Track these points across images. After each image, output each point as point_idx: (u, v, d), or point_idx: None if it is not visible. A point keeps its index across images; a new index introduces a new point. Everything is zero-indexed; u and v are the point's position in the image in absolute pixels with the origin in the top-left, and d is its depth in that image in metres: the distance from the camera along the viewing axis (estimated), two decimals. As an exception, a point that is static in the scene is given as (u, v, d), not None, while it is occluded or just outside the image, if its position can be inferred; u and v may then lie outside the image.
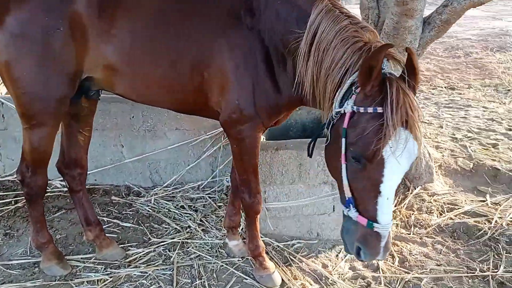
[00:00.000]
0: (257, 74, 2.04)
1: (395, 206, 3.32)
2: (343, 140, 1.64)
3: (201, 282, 2.47)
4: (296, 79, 1.94)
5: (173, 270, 2.56)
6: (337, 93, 1.74)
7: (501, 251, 2.78)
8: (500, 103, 5.79)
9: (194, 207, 3.26)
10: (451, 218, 3.19)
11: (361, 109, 1.60)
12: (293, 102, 2.16)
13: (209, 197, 3.37)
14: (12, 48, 2.03)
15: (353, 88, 1.68)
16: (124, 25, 2.08)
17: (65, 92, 2.14)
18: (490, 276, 2.57)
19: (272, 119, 2.22)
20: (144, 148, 3.41)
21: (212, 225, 3.02)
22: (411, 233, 3.03)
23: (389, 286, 2.52)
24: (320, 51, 1.81)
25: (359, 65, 1.64)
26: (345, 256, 2.75)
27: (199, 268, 2.58)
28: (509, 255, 2.74)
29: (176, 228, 3.00)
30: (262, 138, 2.97)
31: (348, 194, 1.69)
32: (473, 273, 2.61)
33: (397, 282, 2.54)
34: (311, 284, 2.51)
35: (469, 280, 2.56)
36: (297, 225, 2.89)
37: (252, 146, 2.21)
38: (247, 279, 2.51)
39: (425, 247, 2.88)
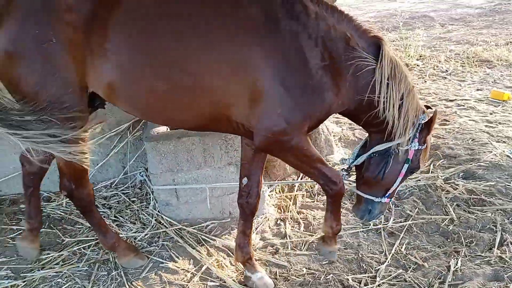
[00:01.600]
0: (304, 79, 1.94)
1: (300, 179, 3.61)
2: (406, 165, 2.29)
3: (117, 272, 2.53)
4: (378, 101, 2.05)
5: (89, 266, 2.59)
6: (409, 129, 2.19)
7: (391, 206, 3.15)
8: (392, 78, 6.39)
9: (108, 205, 3.28)
10: (350, 183, 3.52)
11: (420, 147, 2.28)
12: (334, 111, 2.16)
13: (122, 193, 3.40)
14: (14, 64, 1.91)
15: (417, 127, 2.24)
16: (122, 37, 1.91)
17: (79, 106, 2.00)
18: (382, 228, 2.92)
19: (319, 123, 2.20)
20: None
21: (126, 219, 3.06)
22: (315, 200, 3.32)
23: (295, 249, 2.77)
24: (396, 84, 2.04)
25: (433, 116, 2.24)
26: (256, 229, 2.95)
27: (114, 260, 2.63)
28: (397, 208, 3.11)
29: (89, 227, 2.99)
30: (166, 128, 3.09)
31: (391, 190, 2.38)
32: (367, 227, 2.94)
33: (302, 244, 2.80)
34: (224, 258, 2.68)
35: (364, 234, 2.89)
36: (210, 207, 3.03)
37: (304, 147, 2.08)
38: (162, 263, 2.61)
39: (327, 211, 3.18)
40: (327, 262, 2.63)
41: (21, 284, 2.46)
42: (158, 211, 3.05)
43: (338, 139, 4.31)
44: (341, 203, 2.48)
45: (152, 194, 3.15)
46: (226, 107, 1.98)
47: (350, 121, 4.67)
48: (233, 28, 1.92)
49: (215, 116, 2.03)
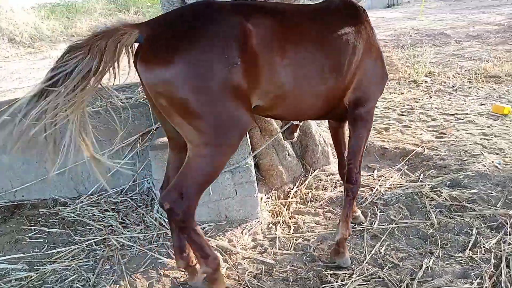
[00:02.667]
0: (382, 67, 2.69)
1: (296, 186, 3.85)
2: None
3: (118, 267, 2.83)
4: None
5: (94, 261, 2.90)
6: None
7: (377, 211, 3.34)
8: (398, 94, 6.58)
9: (117, 209, 3.60)
10: (341, 191, 3.74)
11: None
12: None
13: (131, 199, 3.73)
14: (188, 85, 1.98)
15: None
16: (293, 54, 2.25)
17: (248, 123, 2.16)
18: (365, 231, 3.11)
19: None
20: (66, 162, 3.68)
21: (132, 222, 3.37)
22: (307, 207, 3.55)
23: (283, 248, 3.00)
24: None
25: None
26: (249, 231, 3.20)
27: (118, 256, 2.93)
28: (383, 213, 3.30)
29: (99, 227, 3.33)
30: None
31: None
32: (352, 230, 3.13)
33: (289, 244, 3.03)
34: (216, 256, 2.93)
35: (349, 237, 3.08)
36: (207, 210, 3.31)
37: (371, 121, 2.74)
38: (160, 259, 2.89)
39: (317, 216, 3.39)
40: (311, 260, 2.84)
41: (34, 276, 2.78)
42: (161, 214, 3.35)
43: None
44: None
45: (156, 199, 3.45)
46: (343, 95, 2.57)
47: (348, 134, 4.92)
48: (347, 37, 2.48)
49: (338, 102, 2.60)
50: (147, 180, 3.82)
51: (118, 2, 28.62)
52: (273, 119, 3.98)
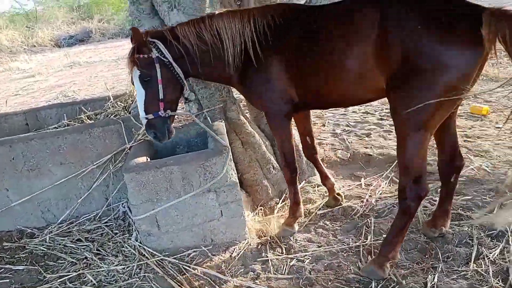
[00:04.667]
0: None
1: (282, 201, 3.66)
2: None
3: (97, 306, 2.54)
4: None
5: (69, 301, 2.60)
6: None
7: (370, 224, 3.19)
8: (375, 97, 6.52)
9: (91, 238, 3.30)
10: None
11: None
12: None
13: (106, 226, 3.43)
14: None
15: None
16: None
17: None
18: (361, 246, 2.95)
19: None
20: (31, 188, 3.38)
21: (108, 252, 3.08)
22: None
23: (276, 273, 2.78)
24: None
25: None
26: (238, 254, 2.98)
27: (95, 293, 2.64)
28: (376, 226, 3.15)
29: (72, 261, 3.02)
30: (146, 159, 3.14)
31: None
32: (347, 246, 2.97)
33: (283, 268, 2.82)
34: (206, 287, 2.69)
35: (344, 254, 2.91)
36: (191, 235, 3.06)
37: None
38: (143, 294, 2.63)
39: (308, 233, 3.20)
40: (309, 284, 2.64)
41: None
42: (140, 242, 3.07)
43: (320, 160, 4.36)
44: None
45: (134, 225, 3.17)
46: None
47: (332, 142, 4.79)
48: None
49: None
50: (122, 204, 3.53)
51: (81, 10, 27.80)
52: (256, 132, 3.78)
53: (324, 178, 3.59)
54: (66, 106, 4.26)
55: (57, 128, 3.97)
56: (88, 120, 3.92)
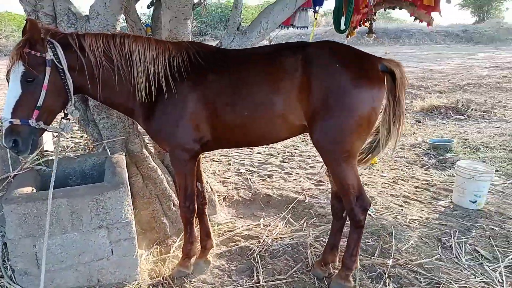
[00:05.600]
0: None
1: (180, 240, 3.57)
2: None
3: None
4: None
5: None
6: None
7: (266, 265, 3.25)
8: (279, 140, 6.83)
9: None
10: (229, 244, 3.58)
11: None
12: None
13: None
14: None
15: None
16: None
17: None
18: (254, 287, 2.97)
19: None
20: None
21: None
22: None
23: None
24: None
25: None
26: (125, 296, 2.81)
27: None
28: (271, 267, 3.21)
29: None
30: (32, 189, 2.89)
31: None
32: (241, 287, 2.98)
33: (174, 310, 2.72)
34: (86, 332, 2.48)
35: (235, 294, 2.91)
36: (75, 275, 2.83)
37: None
38: None
39: (204, 274, 3.16)
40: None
41: None
42: (15, 283, 2.76)
43: (223, 199, 4.41)
44: None
45: (8, 263, 2.85)
46: None
47: (235, 181, 4.87)
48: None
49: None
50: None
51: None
52: (158, 167, 3.71)
53: (206, 236, 3.30)
54: None
55: None
56: (-33, 142, 3.51)
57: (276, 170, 5.32)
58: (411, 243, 3.46)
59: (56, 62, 2.47)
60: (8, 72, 2.41)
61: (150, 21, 4.19)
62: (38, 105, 2.39)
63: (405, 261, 3.21)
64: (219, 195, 4.38)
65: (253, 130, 2.70)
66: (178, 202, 3.75)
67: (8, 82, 2.41)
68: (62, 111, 2.64)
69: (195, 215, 3.09)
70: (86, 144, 5.43)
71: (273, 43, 3.13)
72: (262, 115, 2.63)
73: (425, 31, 29.98)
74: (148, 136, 3.09)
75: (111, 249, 2.88)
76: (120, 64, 2.63)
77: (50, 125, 2.53)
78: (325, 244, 3.46)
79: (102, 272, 2.88)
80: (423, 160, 5.74)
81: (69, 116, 2.67)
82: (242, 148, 6.20)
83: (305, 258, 3.30)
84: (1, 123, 2.50)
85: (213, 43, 3.97)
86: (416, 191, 4.69)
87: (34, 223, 2.66)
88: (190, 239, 3.13)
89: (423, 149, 6.21)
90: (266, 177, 5.08)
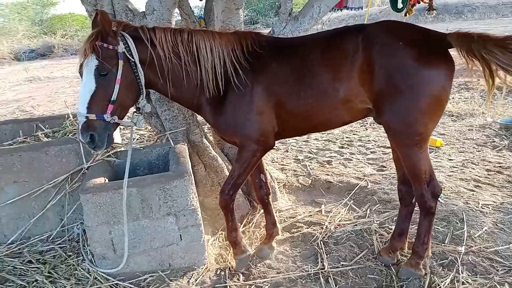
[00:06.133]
0: None
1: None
2: None
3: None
4: None
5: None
6: None
7: (330, 251, 3.22)
8: (337, 126, 6.71)
9: (42, 260, 3.14)
10: (291, 230, 3.60)
11: None
12: None
13: (59, 247, 3.28)
14: None
15: None
16: None
17: None
18: (320, 273, 2.97)
19: None
20: (-18, 205, 3.20)
21: (60, 275, 2.94)
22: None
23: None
24: None
25: None
26: (196, 280, 2.92)
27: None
28: (335, 253, 3.18)
29: (21, 284, 2.86)
30: (104, 179, 3.07)
31: None
32: (306, 273, 2.98)
33: (241, 295, 2.79)
34: (161, 314, 2.61)
35: (303, 281, 2.92)
36: (148, 259, 2.98)
37: None
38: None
39: (269, 259, 3.20)
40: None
41: None
42: (96, 265, 2.96)
43: (282, 186, 4.42)
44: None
45: (88, 248, 3.06)
46: None
47: (294, 168, 4.86)
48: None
49: None
50: (77, 226, 3.40)
51: (43, 24, 27.18)
52: (219, 155, 3.79)
53: (272, 224, 3.32)
54: (22, 123, 4.10)
55: (12, 144, 3.81)
56: (45, 138, 3.79)
57: (335, 156, 5.24)
58: (485, 229, 3.27)
59: (128, 55, 2.46)
60: (81, 66, 2.42)
61: (203, 13, 4.25)
62: (112, 99, 2.40)
63: (479, 248, 3.04)
64: (278, 182, 4.39)
65: (317, 117, 2.67)
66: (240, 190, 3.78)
67: (82, 77, 2.44)
68: (134, 105, 2.68)
69: (260, 205, 3.11)
70: (151, 136, 5.67)
71: (325, 28, 3.03)
72: (326, 102, 2.59)
73: (490, 4, 27.84)
74: (213, 129, 3.09)
75: (180, 235, 2.99)
76: (187, 61, 2.62)
77: (123, 120, 2.56)
78: (391, 231, 3.38)
79: (172, 257, 3.01)
80: (494, 142, 5.38)
81: (144, 109, 2.68)
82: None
83: (370, 245, 3.24)
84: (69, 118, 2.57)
85: (265, 31, 3.96)
86: (488, 174, 4.41)
87: (109, 211, 2.82)
88: (233, 226, 3.05)
89: (494, 130, 5.82)
90: (325, 163, 5.02)
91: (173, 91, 2.71)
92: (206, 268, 3.06)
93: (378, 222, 3.53)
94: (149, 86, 2.69)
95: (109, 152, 3.36)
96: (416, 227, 2.84)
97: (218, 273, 3.05)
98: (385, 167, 4.75)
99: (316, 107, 2.61)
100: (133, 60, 2.48)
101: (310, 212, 3.93)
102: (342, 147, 5.60)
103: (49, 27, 26.76)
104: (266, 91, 2.64)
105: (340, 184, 4.38)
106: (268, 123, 2.71)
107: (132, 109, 2.75)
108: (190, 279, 2.95)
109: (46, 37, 25.13)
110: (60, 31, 25.19)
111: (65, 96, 10.35)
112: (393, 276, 2.85)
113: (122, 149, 3.46)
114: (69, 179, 3.35)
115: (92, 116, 2.35)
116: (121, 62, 2.42)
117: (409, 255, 2.90)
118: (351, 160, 5.09)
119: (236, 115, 2.69)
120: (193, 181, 3.06)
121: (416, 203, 2.82)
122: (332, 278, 2.90)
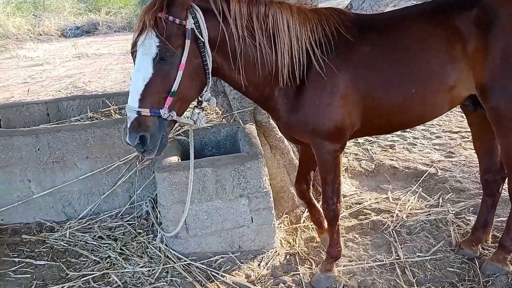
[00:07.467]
0: None
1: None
2: None
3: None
4: None
5: (95, 302, 2.50)
6: None
7: (403, 241, 3.09)
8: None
9: (113, 236, 3.19)
10: (359, 217, 3.48)
11: None
12: None
13: (128, 224, 3.32)
14: None
15: None
16: None
17: None
18: (395, 263, 2.85)
19: None
20: (54, 181, 3.27)
21: (133, 252, 2.97)
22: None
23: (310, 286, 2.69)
24: None
25: None
26: (266, 264, 2.88)
27: (120, 295, 2.54)
28: (409, 244, 3.05)
29: (95, 259, 2.91)
30: (178, 159, 3.04)
31: None
32: (380, 263, 2.87)
33: (315, 281, 2.72)
34: (235, 296, 2.59)
35: (377, 271, 2.81)
36: (219, 240, 2.96)
37: None
38: (173, 301, 2.52)
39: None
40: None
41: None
42: (166, 245, 2.97)
43: (345, 170, 4.28)
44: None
45: (159, 226, 3.07)
46: None
47: (355, 152, 4.71)
48: None
49: None
50: (145, 203, 3.42)
51: (88, 1, 27.67)
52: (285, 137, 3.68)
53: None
54: (88, 99, 4.15)
55: (79, 120, 3.87)
56: (115, 114, 3.81)
57: (397, 140, 5.03)
58: None
59: (197, 33, 1.96)
60: (134, 45, 1.93)
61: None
62: (172, 90, 1.91)
63: None
64: (343, 166, 4.25)
65: (413, 110, 2.33)
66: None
67: (134, 59, 1.94)
68: (197, 98, 2.19)
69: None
70: (218, 114, 5.61)
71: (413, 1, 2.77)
72: (432, 90, 2.27)
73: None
74: (280, 127, 2.66)
75: (251, 217, 2.94)
76: (262, 41, 2.12)
77: (181, 117, 2.08)
78: (469, 222, 3.20)
79: (243, 239, 2.98)
80: None
81: (204, 104, 2.22)
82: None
83: (447, 236, 3.08)
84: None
85: (341, 7, 3.76)
86: None
87: (184, 190, 2.80)
88: (338, 239, 2.66)
89: None
90: (388, 147, 4.83)
91: (242, 80, 2.20)
92: (275, 252, 3.01)
93: (454, 212, 3.35)
94: (215, 73, 2.15)
95: (179, 131, 3.33)
96: (499, 219, 2.67)
97: (288, 258, 2.99)
98: (454, 154, 4.51)
99: (418, 97, 2.26)
100: (202, 39, 1.97)
101: (376, 198, 3.79)
102: (405, 131, 5.36)
103: (94, 4, 27.20)
104: (353, 81, 2.22)
105: (406, 170, 4.20)
106: (349, 119, 2.30)
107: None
108: (260, 262, 2.91)
109: (91, 14, 25.59)
110: (104, 8, 25.56)
111: (114, 73, 10.50)
112: (477, 271, 2.69)
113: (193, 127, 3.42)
114: (139, 156, 3.36)
115: (146, 112, 1.87)
116: (187, 42, 1.91)
117: (494, 249, 2.73)
118: (415, 145, 4.86)
119: (314, 111, 2.25)
120: (265, 163, 2.98)
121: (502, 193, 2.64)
122: (409, 269, 2.78)
